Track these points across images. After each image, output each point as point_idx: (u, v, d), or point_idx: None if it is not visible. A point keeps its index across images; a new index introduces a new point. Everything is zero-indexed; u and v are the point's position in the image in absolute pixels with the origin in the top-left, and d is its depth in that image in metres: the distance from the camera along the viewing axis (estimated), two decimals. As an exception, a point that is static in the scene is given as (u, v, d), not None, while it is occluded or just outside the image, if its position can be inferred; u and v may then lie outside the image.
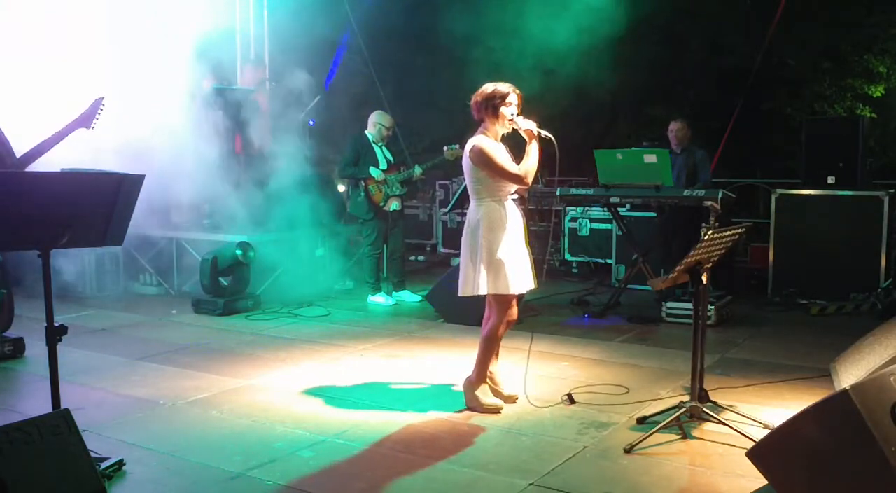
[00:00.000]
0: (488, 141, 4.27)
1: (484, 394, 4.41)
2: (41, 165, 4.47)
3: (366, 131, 7.53)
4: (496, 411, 4.35)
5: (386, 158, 7.50)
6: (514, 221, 4.32)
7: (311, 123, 9.22)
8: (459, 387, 4.69)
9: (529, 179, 4.30)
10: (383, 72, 11.97)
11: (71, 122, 4.20)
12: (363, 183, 7.38)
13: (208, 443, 3.95)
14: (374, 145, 7.47)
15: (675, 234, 7.29)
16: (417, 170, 7.46)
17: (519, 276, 4.30)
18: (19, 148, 4.74)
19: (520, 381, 4.64)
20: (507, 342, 4.54)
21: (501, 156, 4.27)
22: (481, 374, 4.43)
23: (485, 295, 4.33)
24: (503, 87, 4.29)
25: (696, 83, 14.01)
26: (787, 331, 6.40)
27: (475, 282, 4.26)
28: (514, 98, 4.29)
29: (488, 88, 4.31)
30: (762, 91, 12.66)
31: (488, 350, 4.41)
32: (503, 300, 4.33)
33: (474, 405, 4.38)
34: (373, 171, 7.37)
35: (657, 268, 7.17)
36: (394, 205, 7.51)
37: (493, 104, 4.26)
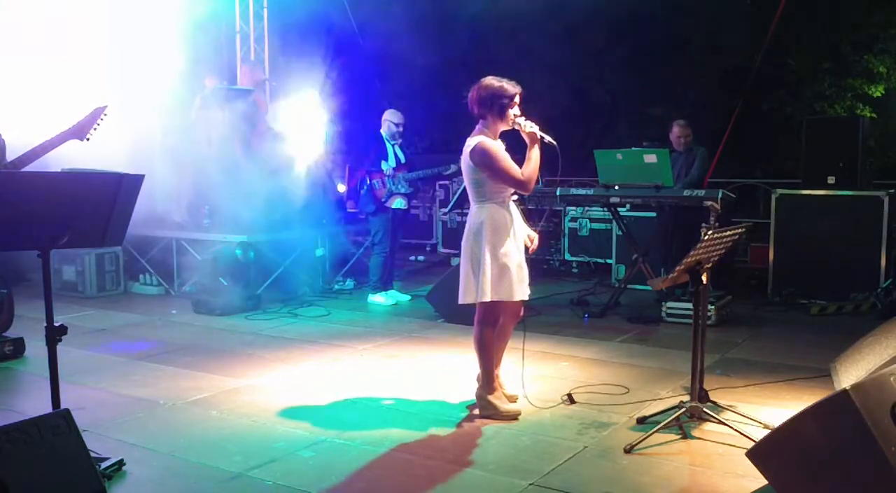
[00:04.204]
0: (490, 141, 4.14)
1: (499, 400, 4.31)
2: (41, 165, 4.46)
3: (381, 130, 7.61)
4: (515, 417, 4.24)
5: (397, 156, 7.56)
6: (517, 225, 4.23)
7: None
8: (459, 387, 4.71)
9: (531, 185, 4.17)
10: (384, 71, 11.97)
11: (64, 131, 4.14)
12: (368, 177, 7.43)
13: (208, 443, 3.95)
14: (387, 143, 7.56)
15: (675, 234, 7.30)
16: (452, 167, 7.54)
17: (521, 282, 4.19)
18: (16, 149, 4.73)
19: (518, 381, 4.63)
20: (509, 342, 4.53)
21: (505, 157, 4.13)
22: (489, 381, 4.31)
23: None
24: (510, 86, 4.14)
25: (696, 83, 14.02)
26: (787, 331, 6.40)
27: (479, 289, 4.10)
28: (518, 98, 4.17)
29: (492, 83, 4.15)
30: (762, 91, 12.66)
31: (486, 356, 4.28)
32: (498, 306, 4.20)
33: (491, 413, 4.25)
34: (383, 164, 7.44)
35: (657, 268, 7.18)
36: (398, 202, 7.54)
37: (500, 103, 4.12)
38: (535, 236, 4.47)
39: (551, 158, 4.23)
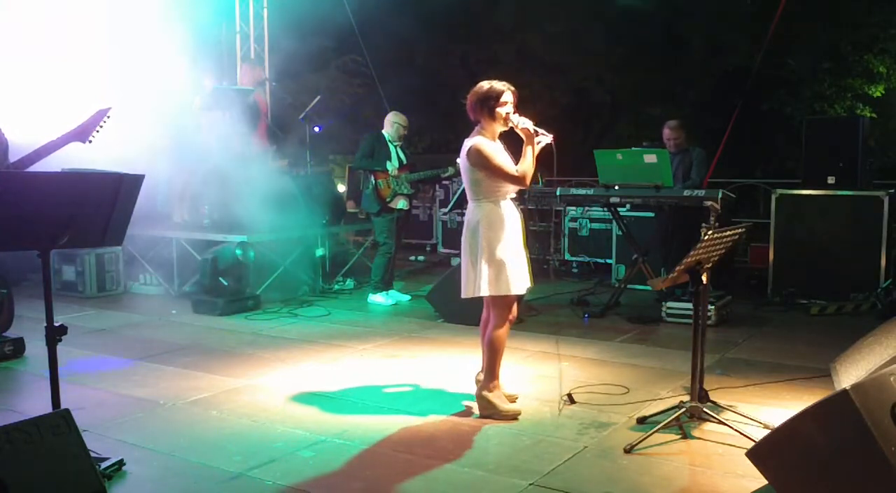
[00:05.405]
0: (486, 141, 4.21)
1: (500, 400, 4.32)
2: (41, 165, 4.46)
3: (383, 131, 7.62)
4: (515, 417, 4.26)
5: (399, 157, 7.58)
6: (513, 221, 4.28)
7: (319, 128, 9.24)
8: (459, 387, 4.71)
9: (527, 181, 4.24)
10: (384, 71, 11.97)
11: (66, 133, 4.15)
12: (373, 177, 7.44)
13: (208, 443, 3.95)
14: (390, 144, 7.58)
15: (674, 234, 7.29)
16: (451, 170, 7.56)
17: (519, 276, 4.27)
18: (16, 149, 4.73)
19: (520, 381, 4.65)
20: (508, 342, 4.53)
21: (500, 156, 4.21)
22: (493, 380, 4.33)
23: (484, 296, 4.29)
24: (498, 85, 4.21)
25: (696, 83, 14.03)
26: (787, 331, 6.40)
27: (476, 283, 4.21)
28: (509, 96, 4.21)
29: (483, 86, 4.23)
30: (762, 91, 12.67)
31: (495, 354, 4.31)
32: (503, 301, 4.27)
33: (491, 413, 4.26)
34: (388, 165, 7.46)
35: (657, 268, 7.17)
36: (401, 203, 7.55)
37: (488, 105, 4.20)
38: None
39: (549, 154, 4.25)
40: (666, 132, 7.58)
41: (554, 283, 8.64)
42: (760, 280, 7.89)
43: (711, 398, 4.18)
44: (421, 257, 10.77)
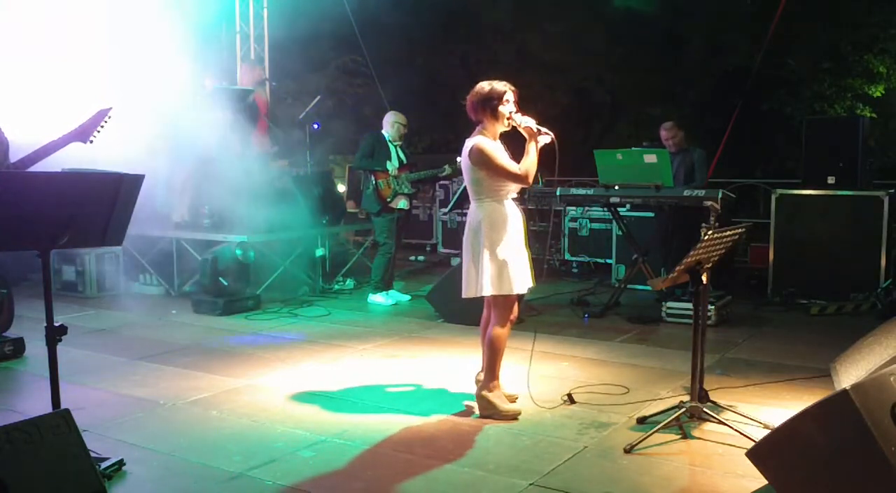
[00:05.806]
0: (487, 141, 4.23)
1: (500, 400, 4.32)
2: (41, 165, 4.46)
3: (383, 131, 7.64)
4: (514, 417, 4.26)
5: (399, 157, 7.59)
6: (515, 221, 4.29)
7: (317, 126, 9.23)
8: (459, 387, 4.71)
9: (530, 179, 4.26)
10: (384, 71, 11.97)
11: (67, 133, 4.14)
12: (374, 177, 7.44)
13: (208, 443, 3.95)
14: (390, 144, 7.59)
15: (674, 234, 7.29)
16: (447, 169, 7.57)
17: (521, 275, 4.27)
18: (16, 149, 4.73)
19: (520, 381, 4.64)
20: (508, 342, 4.54)
21: (501, 155, 4.23)
22: (494, 380, 4.33)
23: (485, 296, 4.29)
24: (500, 85, 4.24)
25: (696, 83, 14.03)
26: (787, 331, 6.40)
27: (478, 283, 4.21)
28: (511, 95, 4.24)
29: (484, 87, 4.26)
30: (762, 91, 12.67)
31: (496, 354, 4.31)
32: (505, 301, 4.27)
33: (491, 413, 4.27)
34: (388, 165, 7.47)
35: (657, 268, 7.17)
36: (402, 203, 7.56)
37: (491, 105, 4.22)
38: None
39: (549, 154, 4.26)
40: (662, 134, 7.58)
41: (554, 283, 8.64)
42: (760, 280, 7.90)
43: (711, 398, 4.18)
44: (421, 257, 10.77)
